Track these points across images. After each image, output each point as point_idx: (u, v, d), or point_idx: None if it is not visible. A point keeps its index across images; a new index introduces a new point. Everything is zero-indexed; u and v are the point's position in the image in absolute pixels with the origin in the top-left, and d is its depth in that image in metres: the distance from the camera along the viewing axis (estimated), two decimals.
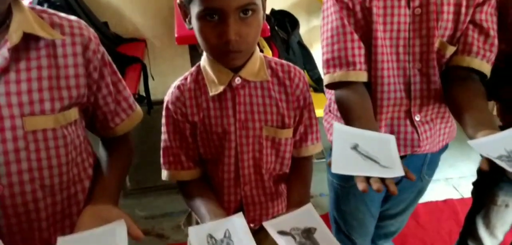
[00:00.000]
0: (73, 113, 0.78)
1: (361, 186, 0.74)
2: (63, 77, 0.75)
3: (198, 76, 0.95)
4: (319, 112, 1.18)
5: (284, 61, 1.00)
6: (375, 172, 0.78)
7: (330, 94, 1.20)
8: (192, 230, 0.86)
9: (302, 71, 1.00)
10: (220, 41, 0.81)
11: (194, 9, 0.82)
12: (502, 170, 0.71)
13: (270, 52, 2.35)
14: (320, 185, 2.16)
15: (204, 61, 0.94)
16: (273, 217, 0.93)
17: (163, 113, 0.96)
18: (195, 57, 2.09)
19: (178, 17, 1.89)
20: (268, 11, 2.56)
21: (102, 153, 0.92)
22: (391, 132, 1.09)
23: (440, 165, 1.31)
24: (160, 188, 2.43)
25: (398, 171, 0.79)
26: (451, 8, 1.00)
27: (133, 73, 2.43)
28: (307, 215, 0.92)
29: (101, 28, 2.72)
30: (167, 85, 0.99)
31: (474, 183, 1.31)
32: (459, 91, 0.99)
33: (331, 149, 1.27)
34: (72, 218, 0.83)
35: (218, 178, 0.99)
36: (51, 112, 0.73)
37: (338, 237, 1.33)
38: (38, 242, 0.79)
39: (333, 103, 1.19)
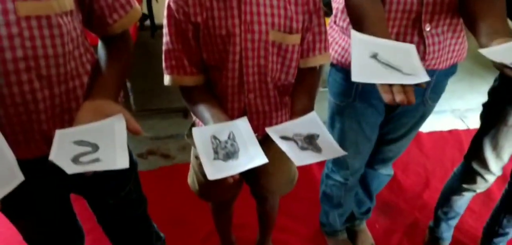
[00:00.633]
0: (68, 2, 0.74)
1: (387, 97, 0.70)
2: None
3: None
4: None
5: None
6: (398, 79, 0.74)
7: (337, 4, 1.14)
8: (196, 131, 0.85)
9: None
10: None
11: None
12: None
13: None
14: (324, 113, 2.15)
15: None
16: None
17: (165, 13, 0.91)
18: None
19: None
20: None
21: (101, 52, 0.89)
22: None
23: (447, 96, 1.27)
24: (165, 111, 2.44)
25: (423, 76, 0.74)
26: None
27: None
28: (310, 123, 0.91)
29: None
30: None
31: (484, 105, 1.28)
32: None
33: (332, 68, 1.25)
34: (71, 113, 0.82)
35: (222, 85, 0.97)
36: None
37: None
38: (38, 134, 0.79)
39: (340, 12, 1.13)
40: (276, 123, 1.05)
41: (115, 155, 0.73)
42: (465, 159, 1.37)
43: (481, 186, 1.35)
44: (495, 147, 1.23)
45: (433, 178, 2.03)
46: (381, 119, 1.22)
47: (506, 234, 1.49)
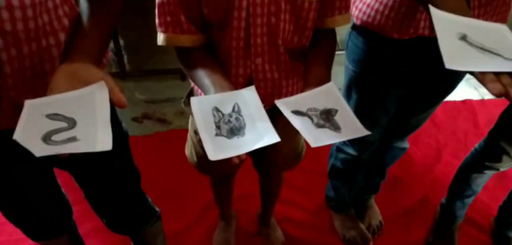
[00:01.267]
0: None
1: (495, 88, 0.57)
2: None
3: None
4: None
5: None
6: (500, 66, 0.61)
7: None
8: (194, 101, 0.72)
9: None
10: None
11: None
12: None
13: None
14: (336, 80, 2.00)
15: None
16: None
17: None
18: None
19: None
20: None
21: (82, 4, 0.74)
22: None
23: None
24: (161, 72, 2.29)
25: None
26: None
27: None
28: (328, 95, 0.78)
29: None
30: None
31: None
32: None
33: (353, 30, 1.10)
34: (45, 77, 0.69)
35: (225, 47, 0.83)
36: None
37: None
38: (5, 102, 0.66)
39: None
40: (287, 93, 0.91)
41: (95, 134, 0.60)
42: (490, 135, 1.25)
43: (505, 165, 1.24)
44: None
45: (445, 151, 1.92)
46: (404, 91, 1.09)
47: None
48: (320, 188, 1.62)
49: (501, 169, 1.27)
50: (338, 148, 1.33)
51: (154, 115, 2.05)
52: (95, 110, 0.62)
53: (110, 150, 0.56)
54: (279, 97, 0.91)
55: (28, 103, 0.60)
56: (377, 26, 0.97)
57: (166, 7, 0.78)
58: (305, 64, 0.89)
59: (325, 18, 0.85)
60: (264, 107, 0.91)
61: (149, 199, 1.15)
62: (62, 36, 0.70)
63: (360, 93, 1.11)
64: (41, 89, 0.68)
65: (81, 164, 0.88)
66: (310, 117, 0.74)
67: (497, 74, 0.59)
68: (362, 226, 1.51)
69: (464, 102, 2.23)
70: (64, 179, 0.99)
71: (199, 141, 0.86)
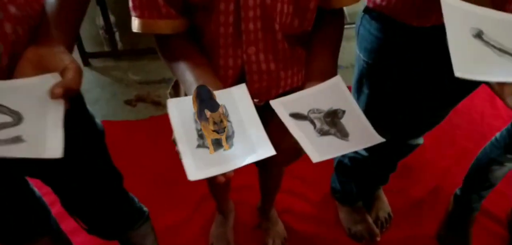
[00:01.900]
0: None
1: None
2: None
3: None
4: None
5: None
6: None
7: None
8: (171, 104, 0.61)
9: None
10: None
11: None
12: None
13: None
14: (349, 55, 1.86)
15: None
16: (285, 93, 0.66)
17: None
18: None
19: None
20: None
21: None
22: None
23: None
24: (156, 51, 2.15)
25: None
26: None
27: None
28: (333, 92, 0.66)
29: None
30: None
31: None
32: None
33: (365, 14, 0.95)
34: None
35: (211, 34, 0.70)
36: None
37: None
38: None
39: None
40: (286, 86, 0.79)
41: (44, 136, 0.50)
42: None
43: None
44: None
45: (459, 134, 1.79)
46: (422, 86, 0.95)
47: None
48: (325, 178, 1.51)
49: None
50: None
51: (149, 97, 1.93)
52: (47, 106, 0.51)
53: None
54: (277, 92, 0.79)
55: None
56: (393, 10, 0.83)
57: None
58: (307, 52, 0.76)
59: None
60: (259, 103, 0.78)
61: (136, 199, 1.05)
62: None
63: (372, 88, 0.97)
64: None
65: (53, 172, 0.78)
66: (312, 122, 0.62)
67: None
68: (370, 220, 1.41)
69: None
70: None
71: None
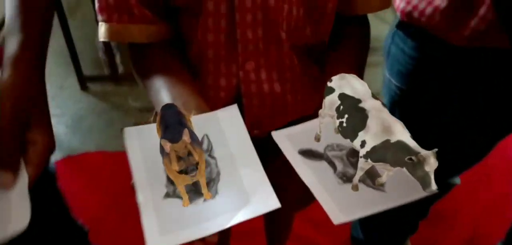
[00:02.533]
0: None
1: None
2: None
3: None
4: None
5: None
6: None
7: None
8: (129, 134, 0.44)
9: None
10: None
11: None
12: None
13: None
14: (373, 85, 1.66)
15: None
16: (293, 122, 0.49)
17: None
18: None
19: None
20: None
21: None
22: None
23: None
24: None
25: None
26: None
27: None
28: None
29: None
30: None
31: None
32: None
33: (398, 30, 0.79)
34: None
35: (198, 44, 0.54)
36: None
37: None
38: None
39: None
40: (294, 116, 0.61)
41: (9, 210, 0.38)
42: None
43: None
44: None
45: (496, 179, 1.57)
46: (466, 116, 0.76)
47: None
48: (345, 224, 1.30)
49: None
50: None
51: None
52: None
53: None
54: (283, 121, 0.61)
55: None
56: (433, 25, 0.66)
57: None
58: (323, 70, 0.59)
59: (353, 2, 0.55)
60: (257, 135, 0.61)
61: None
62: None
63: (406, 118, 0.78)
64: None
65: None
66: (330, 163, 0.44)
67: None
68: None
69: None
70: None
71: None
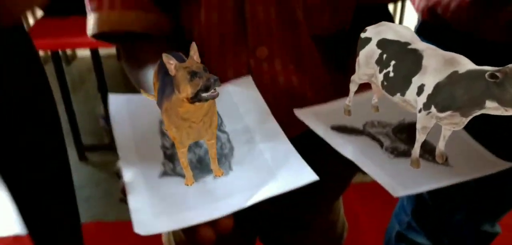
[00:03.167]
0: None
1: None
2: None
3: None
4: None
5: None
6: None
7: None
8: (115, 101, 0.36)
9: None
10: None
11: None
12: None
13: None
14: None
15: None
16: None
17: None
18: None
19: None
20: None
21: None
22: None
23: None
24: None
25: None
26: None
27: None
28: None
29: None
30: None
31: None
32: None
33: (420, 31, 0.72)
34: None
35: (200, 29, 0.47)
36: None
37: None
38: None
39: None
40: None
41: None
42: None
43: None
44: None
45: None
46: (505, 135, 0.66)
47: None
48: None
49: None
50: (400, 234, 0.87)
51: None
52: None
53: None
54: (303, 126, 0.52)
55: None
56: (460, 19, 0.60)
57: None
58: (344, 69, 0.51)
59: None
60: None
61: None
62: None
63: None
64: None
65: None
66: (374, 138, 0.35)
67: None
68: None
69: None
70: None
71: (123, 190, 0.39)
